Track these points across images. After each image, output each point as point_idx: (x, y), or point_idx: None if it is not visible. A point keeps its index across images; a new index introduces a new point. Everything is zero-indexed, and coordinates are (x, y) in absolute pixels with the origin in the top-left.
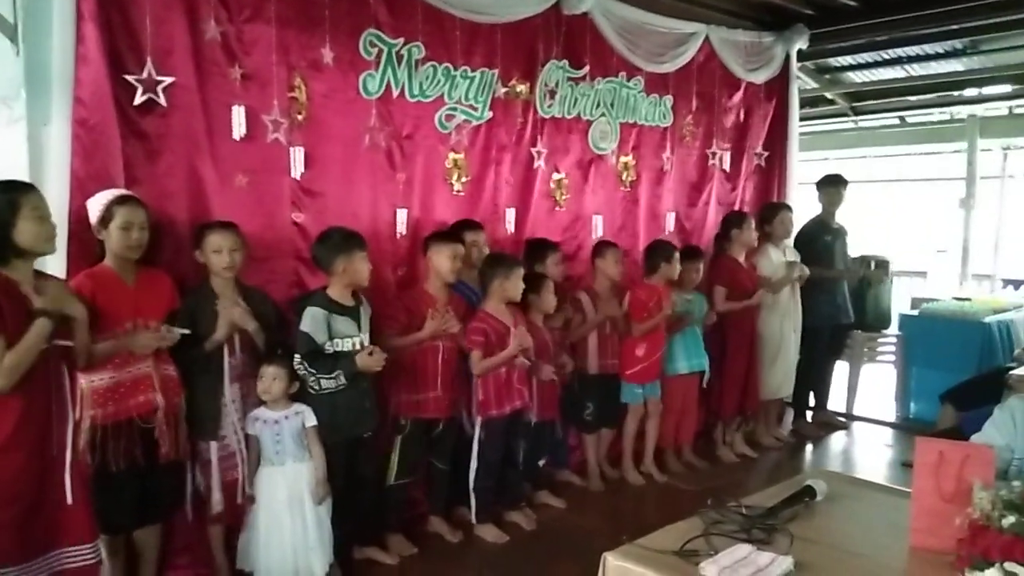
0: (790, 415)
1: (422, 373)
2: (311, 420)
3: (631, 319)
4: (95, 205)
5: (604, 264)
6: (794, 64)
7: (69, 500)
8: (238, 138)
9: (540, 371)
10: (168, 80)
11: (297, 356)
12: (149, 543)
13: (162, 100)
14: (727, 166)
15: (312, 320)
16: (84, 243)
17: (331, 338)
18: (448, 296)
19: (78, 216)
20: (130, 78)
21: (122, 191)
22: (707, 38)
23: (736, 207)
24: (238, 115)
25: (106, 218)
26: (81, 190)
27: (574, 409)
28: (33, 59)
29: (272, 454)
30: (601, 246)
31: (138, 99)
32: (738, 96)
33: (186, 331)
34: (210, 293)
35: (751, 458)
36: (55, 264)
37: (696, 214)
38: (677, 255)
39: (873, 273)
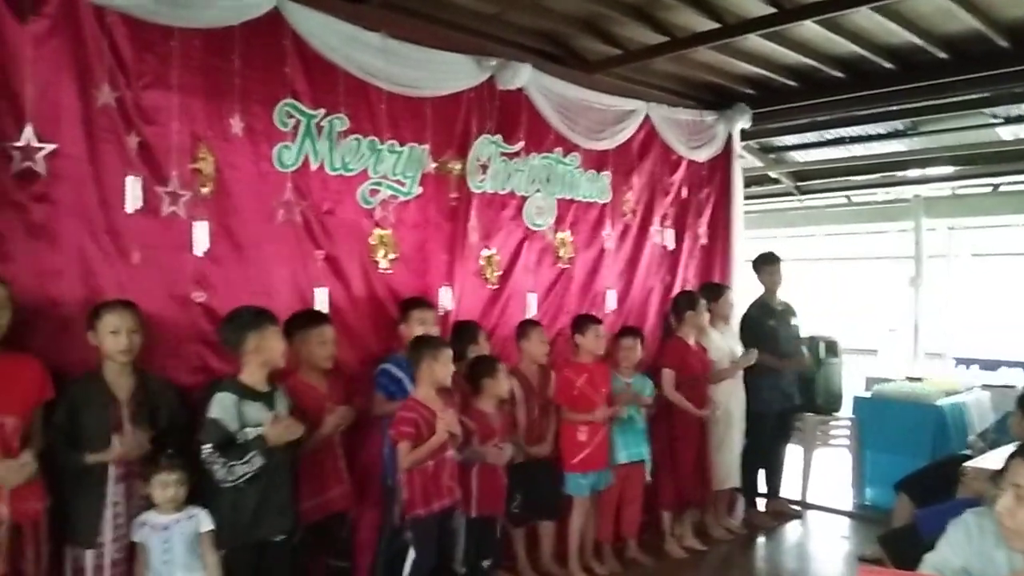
0: (741, 504)
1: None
2: (206, 524)
3: (559, 403)
4: None
5: (529, 345)
6: (737, 143)
7: None
8: (132, 211)
9: (487, 455)
10: (50, 148)
11: (208, 446)
12: None
13: (41, 169)
14: (668, 243)
15: (221, 406)
16: None
17: (242, 427)
18: (330, 383)
19: None
20: (6, 145)
21: None
22: (648, 116)
23: (678, 286)
24: (132, 187)
25: None
26: None
27: None
28: None
29: (159, 564)
30: (525, 326)
31: (15, 168)
32: (680, 174)
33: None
34: (99, 382)
35: (701, 551)
36: None
37: (636, 292)
38: (599, 328)
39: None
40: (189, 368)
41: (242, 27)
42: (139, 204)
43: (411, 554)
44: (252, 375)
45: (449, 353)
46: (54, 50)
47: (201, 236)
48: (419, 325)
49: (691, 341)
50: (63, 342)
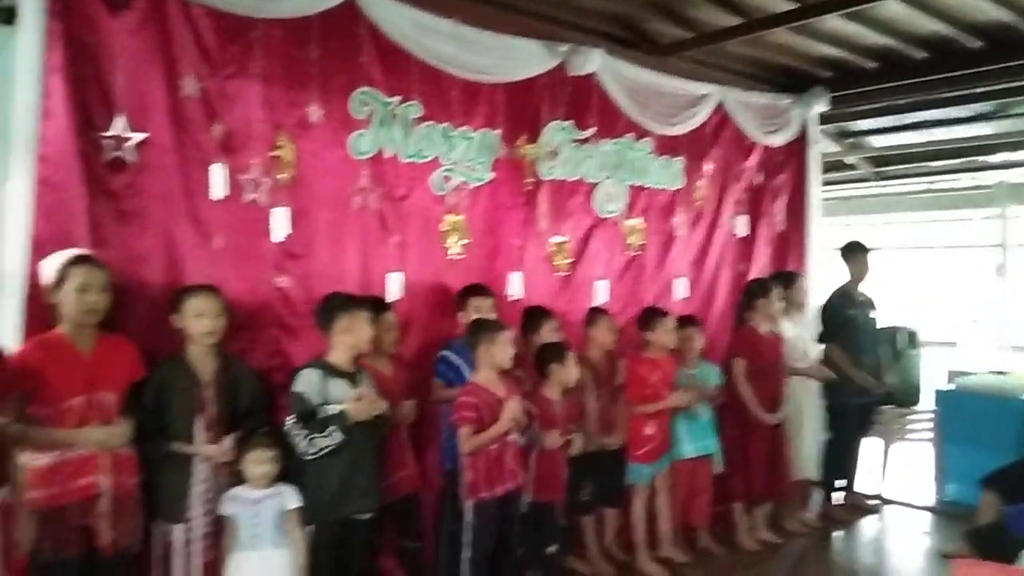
0: (815, 497)
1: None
2: (293, 502)
3: (629, 397)
4: (49, 266)
5: (597, 332)
6: (814, 127)
7: None
8: (216, 198)
9: (545, 440)
10: (139, 137)
11: (291, 418)
12: None
13: (131, 158)
14: (742, 230)
15: (305, 380)
16: (41, 308)
17: (325, 402)
18: (395, 367)
19: (35, 279)
20: (99, 135)
21: (79, 251)
22: (721, 100)
23: (752, 273)
24: (216, 174)
25: (61, 280)
26: (41, 252)
27: (568, 490)
28: None
29: (248, 538)
30: (593, 314)
31: (106, 157)
32: (754, 159)
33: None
34: (185, 365)
35: (775, 544)
36: (7, 331)
37: (708, 280)
38: (667, 320)
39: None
40: (265, 352)
41: (319, 17)
42: (226, 191)
43: (470, 536)
44: (338, 356)
45: (507, 335)
46: (143, 42)
47: (280, 222)
48: (475, 313)
49: (762, 329)
50: (150, 324)
